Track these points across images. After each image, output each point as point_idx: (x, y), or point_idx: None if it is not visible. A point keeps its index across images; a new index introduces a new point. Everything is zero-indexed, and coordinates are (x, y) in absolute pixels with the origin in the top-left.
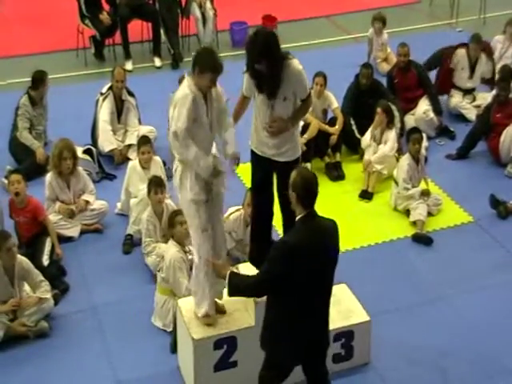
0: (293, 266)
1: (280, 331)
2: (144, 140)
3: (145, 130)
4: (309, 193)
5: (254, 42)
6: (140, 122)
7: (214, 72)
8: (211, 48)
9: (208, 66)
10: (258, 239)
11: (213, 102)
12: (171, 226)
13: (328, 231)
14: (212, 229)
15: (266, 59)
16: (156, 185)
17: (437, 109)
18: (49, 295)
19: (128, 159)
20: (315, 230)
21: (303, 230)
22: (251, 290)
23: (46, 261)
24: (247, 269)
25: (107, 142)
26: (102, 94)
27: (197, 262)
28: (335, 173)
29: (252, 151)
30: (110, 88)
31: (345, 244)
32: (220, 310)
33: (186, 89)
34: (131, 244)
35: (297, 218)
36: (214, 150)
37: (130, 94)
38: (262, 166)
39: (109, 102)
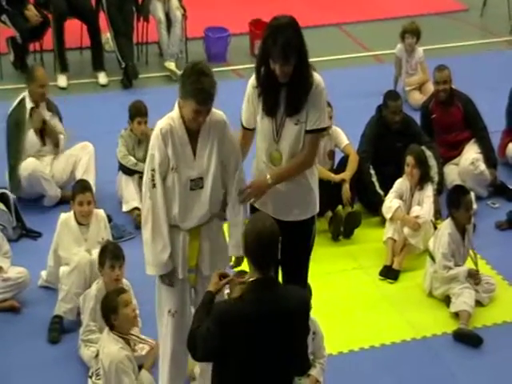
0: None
1: None
2: (82, 185)
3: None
4: (260, 248)
5: (277, 31)
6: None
7: (199, 103)
8: (202, 66)
9: (191, 91)
10: None
11: (208, 143)
12: (112, 312)
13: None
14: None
15: (298, 54)
16: (113, 257)
17: (490, 159)
18: None
19: None
20: (264, 302)
21: (250, 300)
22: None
23: None
24: None
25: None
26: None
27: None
28: (350, 225)
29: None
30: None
31: (359, 341)
32: None
33: (164, 119)
34: (60, 329)
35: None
36: None
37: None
38: None
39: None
